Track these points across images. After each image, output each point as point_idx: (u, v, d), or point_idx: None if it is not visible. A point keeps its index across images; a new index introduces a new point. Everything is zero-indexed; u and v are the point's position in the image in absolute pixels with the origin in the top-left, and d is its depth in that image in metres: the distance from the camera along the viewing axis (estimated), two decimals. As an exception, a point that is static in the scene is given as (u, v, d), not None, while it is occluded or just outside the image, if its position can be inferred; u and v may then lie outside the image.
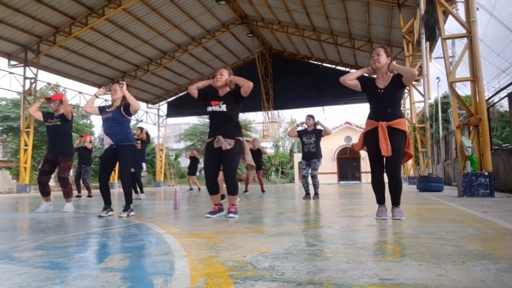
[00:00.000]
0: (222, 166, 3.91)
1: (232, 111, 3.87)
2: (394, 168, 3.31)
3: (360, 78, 3.51)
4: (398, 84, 3.32)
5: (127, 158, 4.21)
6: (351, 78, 3.47)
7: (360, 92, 3.54)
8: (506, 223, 2.93)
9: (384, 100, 3.33)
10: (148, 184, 26.09)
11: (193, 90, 3.98)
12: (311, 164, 6.58)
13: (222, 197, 6.69)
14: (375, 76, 3.48)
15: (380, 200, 3.47)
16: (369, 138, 3.40)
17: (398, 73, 3.31)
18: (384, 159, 3.33)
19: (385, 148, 3.21)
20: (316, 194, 6.73)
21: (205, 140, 4.13)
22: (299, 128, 6.84)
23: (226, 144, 3.74)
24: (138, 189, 8.26)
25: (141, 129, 8.56)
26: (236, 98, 3.87)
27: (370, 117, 3.43)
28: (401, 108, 3.57)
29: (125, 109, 4.24)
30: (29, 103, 14.96)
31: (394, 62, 3.35)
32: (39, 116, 5.09)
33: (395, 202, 3.38)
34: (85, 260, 1.90)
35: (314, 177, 6.64)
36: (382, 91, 3.34)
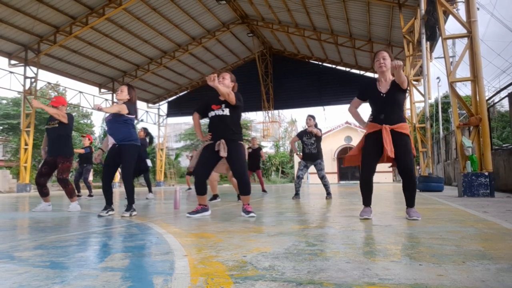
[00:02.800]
0: (231, 168, 3.86)
1: (234, 114, 3.83)
2: (409, 171, 3.29)
3: (361, 88, 3.53)
4: (398, 87, 3.31)
5: (130, 158, 4.20)
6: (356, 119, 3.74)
7: None
8: (506, 223, 2.93)
9: (387, 104, 3.33)
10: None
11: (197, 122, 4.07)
12: (316, 166, 6.48)
13: (216, 197, 6.70)
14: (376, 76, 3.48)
15: (367, 202, 3.47)
16: (370, 139, 3.41)
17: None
18: (398, 163, 3.32)
19: (390, 149, 3.21)
20: (328, 194, 6.58)
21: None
22: (299, 130, 6.80)
23: (224, 152, 3.70)
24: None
25: (144, 129, 8.51)
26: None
27: (372, 120, 3.43)
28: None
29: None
30: (30, 102, 14.96)
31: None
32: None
33: (411, 203, 3.38)
34: (85, 260, 1.90)
35: (323, 178, 6.54)
36: (385, 95, 3.34)
